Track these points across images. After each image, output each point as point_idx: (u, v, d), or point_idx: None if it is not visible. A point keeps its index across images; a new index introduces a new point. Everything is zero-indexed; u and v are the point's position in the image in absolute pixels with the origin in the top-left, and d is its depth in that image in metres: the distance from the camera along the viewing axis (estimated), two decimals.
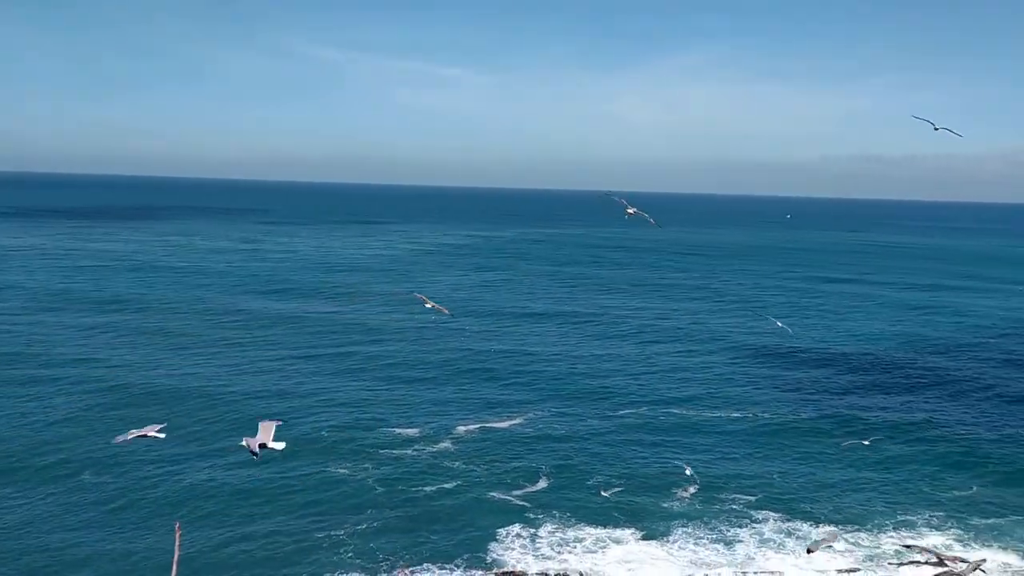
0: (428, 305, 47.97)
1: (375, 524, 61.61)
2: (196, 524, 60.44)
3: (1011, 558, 58.58)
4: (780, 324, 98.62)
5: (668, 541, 60.42)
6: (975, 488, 70.67)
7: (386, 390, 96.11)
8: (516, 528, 61.49)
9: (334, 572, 54.74)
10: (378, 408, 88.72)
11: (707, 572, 55.65)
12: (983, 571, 41.57)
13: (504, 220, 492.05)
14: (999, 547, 59.99)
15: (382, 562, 56.15)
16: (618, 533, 61.39)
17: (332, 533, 60.02)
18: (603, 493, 68.06)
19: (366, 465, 72.21)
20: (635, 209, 46.55)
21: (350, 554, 57.12)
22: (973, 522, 63.82)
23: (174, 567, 20.68)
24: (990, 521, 64.12)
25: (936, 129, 43.14)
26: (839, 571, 56.29)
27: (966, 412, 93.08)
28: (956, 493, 69.76)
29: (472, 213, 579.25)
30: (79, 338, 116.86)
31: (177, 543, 22.41)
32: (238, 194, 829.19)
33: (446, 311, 49.56)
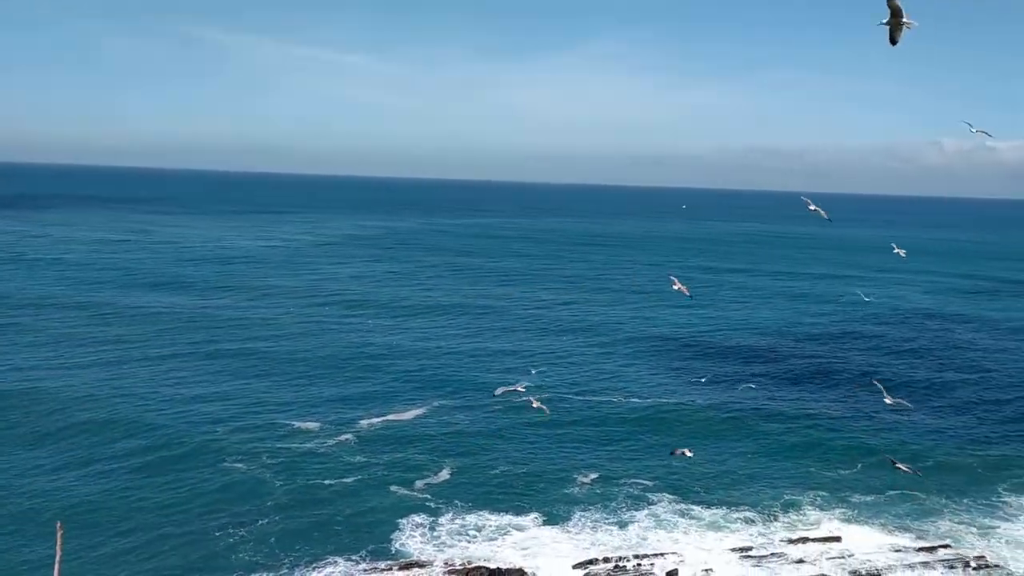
0: (676, 287, 48.73)
1: (275, 522, 60.83)
2: (84, 530, 58.39)
3: (888, 536, 62.42)
4: (688, 293, 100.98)
5: (568, 525, 61.86)
6: (856, 469, 74.71)
7: (285, 386, 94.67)
8: (418, 518, 61.83)
9: (233, 573, 53.85)
10: (276, 405, 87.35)
11: (606, 555, 57.25)
12: None
13: (405, 210, 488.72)
14: (878, 524, 63.78)
15: (284, 560, 55.58)
16: (519, 520, 62.48)
17: (230, 532, 58.98)
18: (505, 482, 69.08)
19: (265, 463, 71.08)
20: (815, 207, 49.44)
21: (250, 553, 56.29)
22: (854, 499, 67.56)
23: (56, 568, 20.06)
24: (869, 499, 68.02)
25: (973, 131, 45.52)
26: (732, 549, 58.83)
27: (847, 400, 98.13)
28: (840, 472, 73.56)
29: (373, 203, 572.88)
30: None
31: (59, 544, 21.62)
32: (126, 182, 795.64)
33: (687, 291, 50.51)
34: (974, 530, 62.64)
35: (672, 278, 49.82)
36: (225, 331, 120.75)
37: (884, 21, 24.02)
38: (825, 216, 49.29)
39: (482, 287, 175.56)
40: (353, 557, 56.21)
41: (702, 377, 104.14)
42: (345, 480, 68.13)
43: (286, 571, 54.19)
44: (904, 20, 23.77)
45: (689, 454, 57.53)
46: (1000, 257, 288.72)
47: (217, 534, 58.65)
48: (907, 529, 62.57)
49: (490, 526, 61.35)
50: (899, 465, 55.61)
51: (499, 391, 48.70)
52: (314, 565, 55.00)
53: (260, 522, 60.57)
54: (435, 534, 59.86)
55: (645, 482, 69.68)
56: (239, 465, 70.17)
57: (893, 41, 24.21)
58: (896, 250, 66.60)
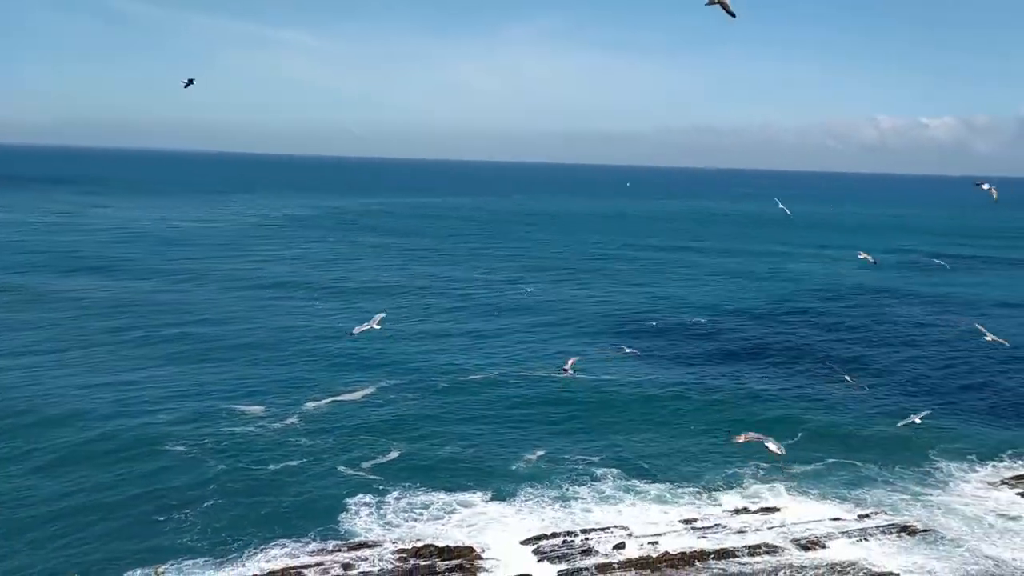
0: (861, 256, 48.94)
1: (220, 506, 60.08)
2: (19, 518, 56.98)
3: (826, 505, 64.33)
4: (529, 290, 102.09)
5: (515, 503, 62.35)
6: (795, 441, 76.55)
7: (227, 370, 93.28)
8: (365, 499, 61.68)
9: (178, 557, 53.08)
10: (219, 389, 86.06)
11: (554, 530, 57.87)
12: None
13: (346, 191, 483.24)
14: (817, 494, 65.65)
15: (230, 544, 54.95)
16: (466, 498, 62.77)
17: (174, 517, 58.09)
18: (453, 461, 69.26)
19: (208, 447, 70.03)
20: (988, 186, 49.86)
21: (194, 537, 55.52)
22: (794, 471, 69.30)
23: None
24: (808, 468, 69.89)
25: (986, 188, 47.85)
26: (677, 522, 59.98)
27: (785, 375, 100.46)
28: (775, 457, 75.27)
29: (313, 183, 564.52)
30: None
31: None
32: (51, 162, 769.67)
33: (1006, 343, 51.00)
34: (907, 497, 64.88)
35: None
36: (164, 315, 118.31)
37: (709, 1, 23.59)
38: (995, 195, 49.93)
39: (426, 267, 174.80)
40: (301, 539, 55.87)
41: (646, 355, 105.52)
42: (291, 463, 67.53)
43: (233, 555, 53.61)
44: None
45: (569, 371, 58.38)
46: (931, 232, 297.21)
47: (160, 519, 57.70)
48: (844, 498, 64.52)
49: (437, 505, 61.51)
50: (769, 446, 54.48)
51: (356, 330, 46.91)
52: (261, 547, 54.50)
53: (204, 506, 59.76)
54: (382, 514, 59.80)
55: (591, 458, 70.49)
56: (180, 449, 69.06)
57: (731, 14, 23.92)
58: (862, 255, 68.87)
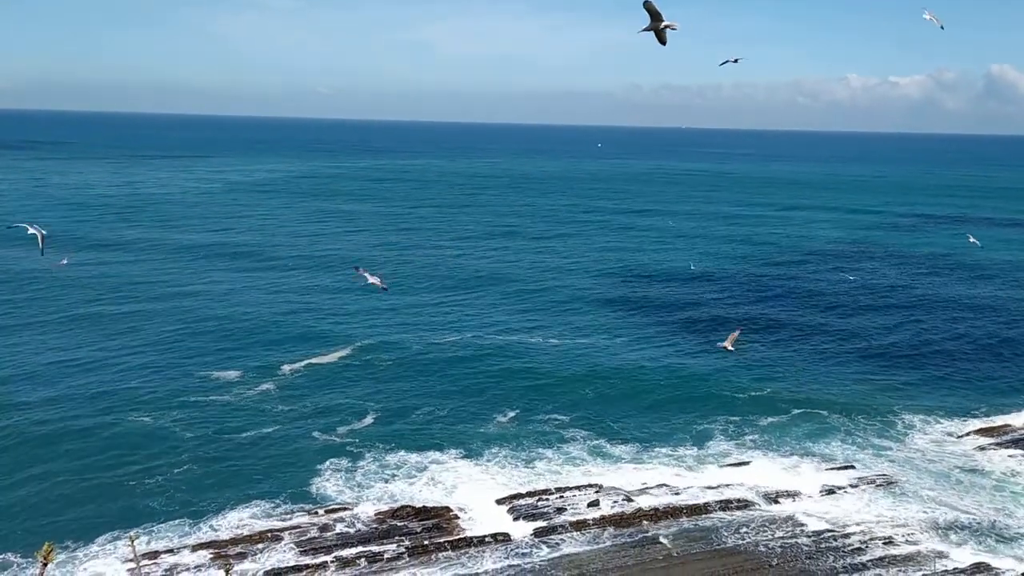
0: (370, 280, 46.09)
1: (192, 471, 60.06)
2: None
3: (793, 460, 65.61)
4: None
5: (488, 463, 62.94)
6: (763, 395, 77.84)
7: (200, 339, 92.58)
8: (341, 462, 61.99)
9: (152, 521, 53.10)
10: (191, 357, 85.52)
11: (528, 489, 58.55)
12: None
13: (314, 153, 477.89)
14: (786, 450, 66.94)
15: (203, 508, 55.00)
16: (438, 456, 63.36)
17: (146, 483, 58.02)
18: (428, 423, 69.68)
19: (182, 415, 69.67)
20: (930, 15, 47.61)
21: (165, 502, 55.52)
22: (763, 425, 70.54)
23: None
24: (776, 426, 71.17)
25: (926, 17, 45.33)
26: (653, 478, 60.85)
27: (750, 336, 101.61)
28: (747, 404, 76.52)
29: (279, 145, 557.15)
30: None
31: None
32: (22, 125, 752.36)
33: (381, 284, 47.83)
34: (871, 451, 66.37)
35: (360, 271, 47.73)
36: (134, 287, 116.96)
37: (642, 29, 22.70)
38: (938, 24, 47.34)
39: (398, 235, 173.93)
40: (276, 502, 56.07)
41: (616, 319, 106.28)
42: (266, 429, 67.51)
43: (208, 518, 53.67)
44: (665, 23, 22.49)
45: (730, 347, 55.06)
46: (900, 191, 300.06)
47: (132, 484, 57.61)
48: (811, 453, 65.86)
49: (408, 464, 62.00)
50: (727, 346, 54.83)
51: (361, 271, 46.64)
52: (236, 511, 54.58)
53: (177, 472, 59.71)
54: (356, 477, 60.11)
55: (562, 418, 71.21)
56: (153, 416, 68.75)
57: (662, 42, 23.15)
58: (972, 239, 70.35)
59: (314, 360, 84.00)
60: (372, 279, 46.37)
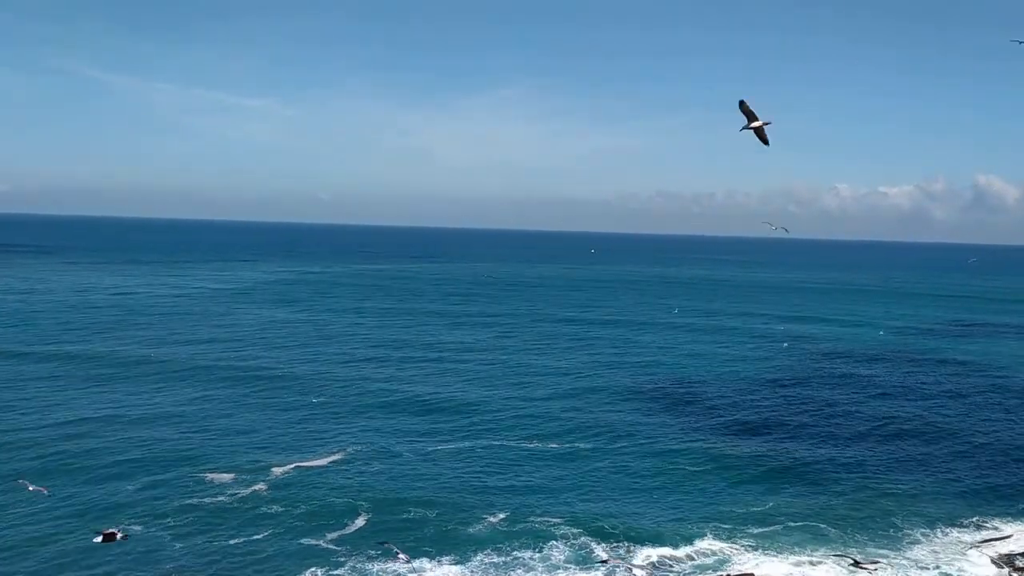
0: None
1: None
2: None
3: (790, 564, 65.10)
4: None
5: (472, 569, 62.23)
6: (751, 498, 77.61)
7: (196, 434, 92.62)
8: (319, 572, 61.11)
9: None
10: (186, 452, 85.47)
11: None
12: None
13: (312, 257, 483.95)
14: (791, 553, 66.48)
15: None
16: (425, 564, 62.61)
17: None
18: (417, 524, 69.26)
19: (167, 521, 69.06)
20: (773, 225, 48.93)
21: None
22: (755, 530, 70.18)
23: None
24: (767, 530, 70.80)
25: (773, 228, 46.93)
26: None
27: (751, 437, 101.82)
28: (748, 506, 76.15)
29: (280, 249, 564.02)
30: None
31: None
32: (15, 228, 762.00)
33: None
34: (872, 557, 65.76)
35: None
36: (129, 381, 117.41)
37: (744, 127, 23.25)
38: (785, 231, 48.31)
39: (398, 331, 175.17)
40: None
41: (614, 417, 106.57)
42: (255, 537, 66.71)
43: None
44: (760, 122, 23.03)
45: None
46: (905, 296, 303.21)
47: None
48: (812, 562, 65.27)
49: (389, 572, 61.35)
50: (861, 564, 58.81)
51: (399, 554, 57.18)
52: None
53: None
54: None
55: (554, 520, 70.78)
56: (137, 528, 68.22)
57: (765, 142, 23.59)
58: None
59: (304, 463, 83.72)
60: (401, 555, 56.09)
